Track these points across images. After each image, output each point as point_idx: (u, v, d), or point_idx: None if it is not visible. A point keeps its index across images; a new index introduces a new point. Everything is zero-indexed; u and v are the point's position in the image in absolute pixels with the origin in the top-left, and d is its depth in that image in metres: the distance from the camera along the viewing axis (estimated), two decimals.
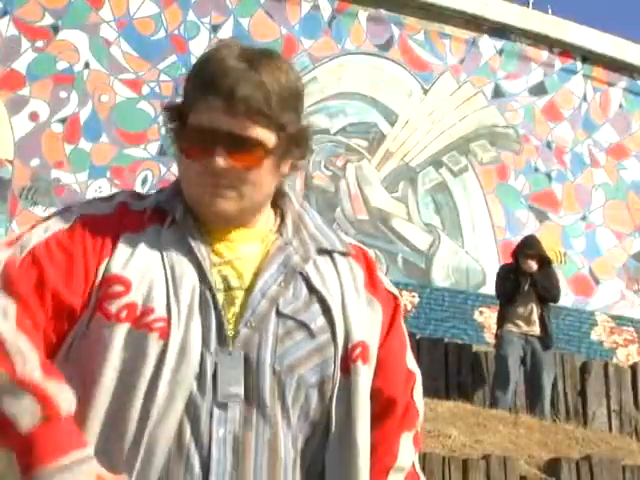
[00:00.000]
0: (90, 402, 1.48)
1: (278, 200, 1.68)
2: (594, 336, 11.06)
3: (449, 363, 7.89)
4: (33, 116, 9.58)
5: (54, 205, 9.39)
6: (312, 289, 1.59)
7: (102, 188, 9.60)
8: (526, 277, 7.74)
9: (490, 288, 10.42)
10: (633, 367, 8.43)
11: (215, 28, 10.40)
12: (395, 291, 1.74)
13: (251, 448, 1.49)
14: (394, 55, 11.10)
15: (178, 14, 10.31)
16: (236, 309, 1.55)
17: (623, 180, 11.87)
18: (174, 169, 9.89)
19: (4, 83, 9.55)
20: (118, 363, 1.49)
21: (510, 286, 7.77)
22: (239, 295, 1.56)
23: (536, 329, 7.71)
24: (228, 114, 1.52)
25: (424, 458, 5.09)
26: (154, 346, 1.49)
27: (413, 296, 10.31)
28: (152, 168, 9.83)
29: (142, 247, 1.55)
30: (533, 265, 7.76)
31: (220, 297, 1.54)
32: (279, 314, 1.55)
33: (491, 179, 11.21)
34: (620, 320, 11.27)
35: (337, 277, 1.63)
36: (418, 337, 8.19)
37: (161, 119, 10.03)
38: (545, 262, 7.94)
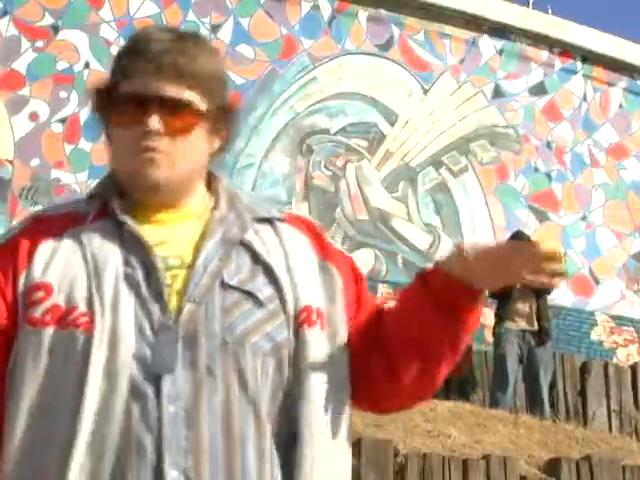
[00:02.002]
0: (15, 409, 1.49)
1: (211, 182, 1.68)
2: (594, 336, 11.06)
3: None
4: (33, 116, 9.58)
5: None
6: (256, 259, 1.59)
7: None
8: None
9: None
10: (633, 367, 8.43)
11: (215, 28, 10.40)
12: (346, 252, 1.75)
13: (204, 421, 1.47)
14: (394, 55, 11.10)
15: (178, 14, 10.31)
16: (178, 286, 1.53)
17: (623, 180, 11.87)
18: None
19: (4, 83, 9.55)
20: (46, 365, 1.49)
21: None
22: (180, 273, 1.54)
23: (535, 326, 7.70)
24: (158, 78, 1.53)
25: (424, 458, 5.10)
26: (80, 341, 1.48)
27: None
28: None
29: (62, 249, 1.55)
30: None
31: (158, 276, 1.53)
32: (224, 286, 1.54)
33: (491, 179, 11.21)
34: (620, 320, 11.27)
35: (280, 244, 1.63)
36: None
37: None
38: None
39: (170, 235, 1.58)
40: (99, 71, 9.88)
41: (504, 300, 7.76)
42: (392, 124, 10.94)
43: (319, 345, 1.58)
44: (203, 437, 1.46)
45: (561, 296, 11.16)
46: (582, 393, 7.91)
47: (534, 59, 11.73)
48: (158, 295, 1.52)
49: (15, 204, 9.34)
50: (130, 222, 1.56)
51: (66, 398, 1.47)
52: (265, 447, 1.51)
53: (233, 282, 1.55)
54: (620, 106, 12.06)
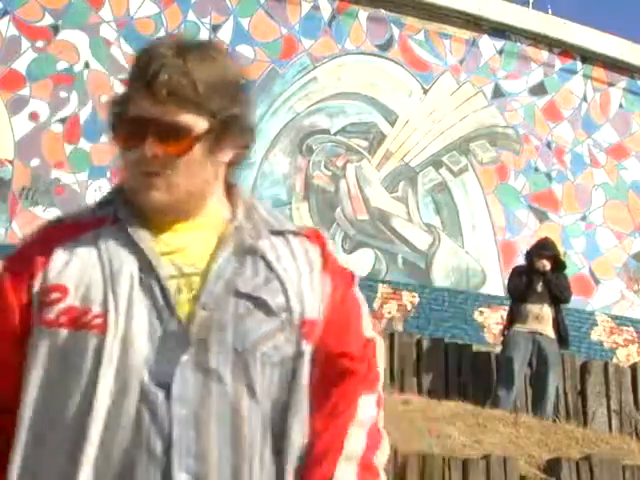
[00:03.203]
0: (22, 408, 1.51)
1: (230, 191, 1.68)
2: (594, 336, 11.06)
3: (449, 363, 7.88)
4: (33, 116, 9.58)
5: (54, 205, 9.39)
6: (270, 268, 1.60)
7: (102, 188, 9.59)
8: (539, 276, 7.75)
9: (490, 288, 10.43)
10: (633, 367, 8.42)
11: (215, 28, 10.40)
12: (350, 269, 1.74)
13: (213, 425, 1.49)
14: (394, 55, 11.10)
15: (178, 14, 10.31)
16: (192, 293, 1.54)
17: (623, 180, 11.87)
18: None
19: (4, 83, 9.55)
20: (59, 365, 1.50)
21: (522, 284, 7.77)
22: (195, 280, 1.55)
23: (548, 329, 7.69)
24: (151, 100, 1.53)
25: (424, 458, 5.10)
26: (93, 342, 1.49)
27: (413, 296, 10.31)
28: None
29: (78, 253, 1.56)
30: (547, 264, 7.78)
31: (172, 283, 1.54)
32: (238, 294, 1.55)
33: (491, 179, 11.21)
34: (620, 320, 11.27)
35: (292, 258, 1.64)
36: (418, 337, 8.18)
37: None
38: (559, 265, 7.96)
39: (185, 243, 1.59)
40: (99, 71, 9.89)
41: (519, 301, 7.79)
42: (392, 124, 10.94)
43: (307, 359, 1.60)
44: (212, 442, 1.48)
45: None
46: (582, 393, 7.90)
47: (534, 59, 11.73)
48: (169, 302, 1.53)
49: (15, 204, 9.34)
50: (139, 232, 1.58)
51: (78, 397, 1.49)
52: (266, 457, 1.54)
53: (246, 289, 1.56)
54: (620, 106, 12.06)
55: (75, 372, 1.49)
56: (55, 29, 9.84)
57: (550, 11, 12.02)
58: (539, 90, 11.69)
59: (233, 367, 1.51)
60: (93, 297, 1.52)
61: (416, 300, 10.31)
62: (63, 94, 9.72)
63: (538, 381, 7.55)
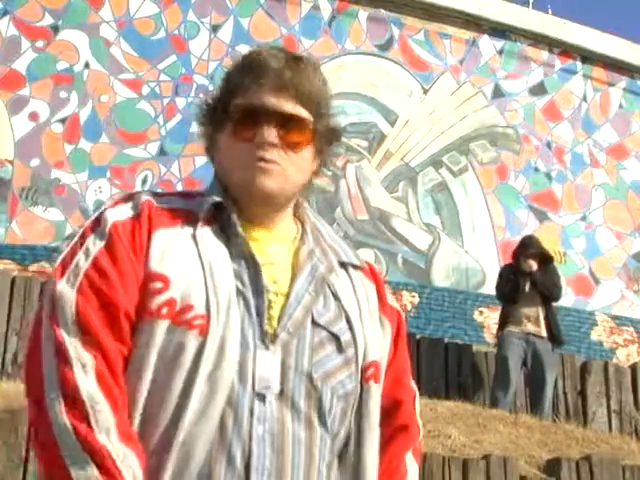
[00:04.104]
0: (131, 400, 1.49)
1: (296, 210, 1.71)
2: (594, 336, 11.06)
3: (449, 363, 7.87)
4: (33, 116, 9.58)
5: (54, 205, 9.39)
6: (339, 302, 1.63)
7: (102, 188, 9.60)
8: (526, 277, 7.71)
9: (490, 288, 10.42)
10: (633, 367, 8.41)
11: (215, 28, 10.40)
12: (397, 306, 1.78)
13: (289, 447, 1.51)
14: (394, 55, 11.10)
15: (178, 14, 10.31)
16: (274, 312, 1.56)
17: (623, 180, 11.87)
18: (174, 169, 9.89)
19: (4, 83, 9.55)
20: (157, 359, 1.50)
21: (510, 287, 7.75)
22: (276, 299, 1.57)
23: (541, 329, 7.68)
24: (276, 94, 1.58)
25: (424, 458, 5.09)
26: (193, 342, 1.49)
27: (413, 296, 10.31)
28: (152, 168, 9.83)
29: (177, 243, 1.56)
30: (533, 265, 7.73)
31: (264, 299, 1.56)
32: (314, 324, 1.58)
33: (491, 179, 11.22)
34: (620, 320, 11.27)
35: (353, 292, 1.67)
36: (418, 337, 8.18)
37: (161, 119, 10.06)
38: (546, 260, 7.92)
39: (267, 259, 1.60)
40: (99, 71, 9.89)
41: (509, 303, 7.77)
42: (392, 124, 10.94)
43: (378, 402, 1.64)
44: (287, 463, 1.50)
45: (562, 295, 11.16)
46: (582, 393, 7.90)
47: (534, 59, 11.73)
48: (261, 316, 1.55)
49: (15, 204, 9.34)
50: (240, 241, 1.58)
51: (177, 392, 1.49)
52: None
53: (322, 321, 1.59)
54: (620, 106, 12.07)
55: (177, 367, 1.49)
56: (55, 29, 9.84)
57: (550, 11, 12.04)
58: (539, 90, 11.69)
59: (307, 394, 1.54)
60: (194, 295, 1.51)
61: (416, 300, 10.31)
62: (63, 94, 9.72)
63: (535, 382, 7.54)
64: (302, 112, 1.59)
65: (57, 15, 9.87)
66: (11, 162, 9.42)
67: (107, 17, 10.04)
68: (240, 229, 1.58)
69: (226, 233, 1.59)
